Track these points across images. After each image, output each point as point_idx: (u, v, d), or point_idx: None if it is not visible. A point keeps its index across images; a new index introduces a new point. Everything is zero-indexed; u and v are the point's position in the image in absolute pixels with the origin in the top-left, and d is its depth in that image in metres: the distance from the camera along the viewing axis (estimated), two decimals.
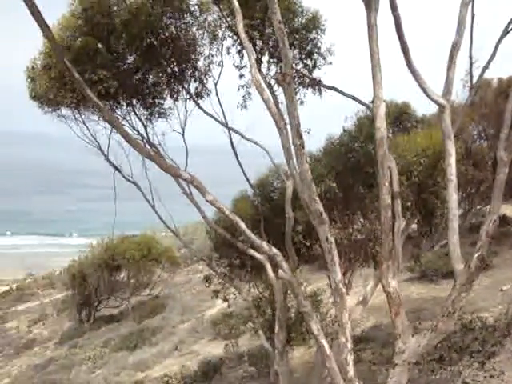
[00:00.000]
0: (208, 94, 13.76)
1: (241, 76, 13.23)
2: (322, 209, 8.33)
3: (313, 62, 13.26)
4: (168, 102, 13.81)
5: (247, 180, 14.55)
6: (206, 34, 13.13)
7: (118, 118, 12.49)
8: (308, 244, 14.24)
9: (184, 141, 14.25)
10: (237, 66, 13.19)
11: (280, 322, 13.87)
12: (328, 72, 13.38)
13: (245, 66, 13.04)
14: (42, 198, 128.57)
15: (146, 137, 13.89)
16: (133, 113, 13.71)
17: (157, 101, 13.65)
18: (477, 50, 8.92)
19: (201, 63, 13.50)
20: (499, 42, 8.81)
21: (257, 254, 12.79)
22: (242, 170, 14.10)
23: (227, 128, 13.73)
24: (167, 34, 12.47)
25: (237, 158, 13.99)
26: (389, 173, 8.44)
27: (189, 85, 13.62)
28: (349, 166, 13.43)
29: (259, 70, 11.92)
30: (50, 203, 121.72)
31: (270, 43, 12.79)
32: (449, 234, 8.18)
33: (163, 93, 13.58)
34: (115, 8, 12.05)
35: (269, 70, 13.28)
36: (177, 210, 14.28)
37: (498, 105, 26.53)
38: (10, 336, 37.59)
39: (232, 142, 13.88)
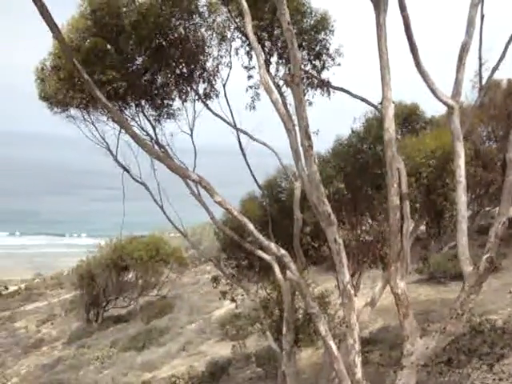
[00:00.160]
0: (216, 95, 13.79)
1: (249, 77, 13.26)
2: (330, 210, 8.32)
3: (321, 63, 13.26)
4: (177, 103, 13.85)
5: (255, 181, 14.56)
6: (214, 34, 13.14)
7: (126, 119, 12.51)
8: (316, 245, 14.22)
9: (192, 142, 14.27)
10: (245, 67, 13.23)
11: (288, 323, 13.86)
12: (336, 73, 13.39)
13: (253, 67, 13.08)
14: (50, 198, 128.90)
15: (154, 137, 13.92)
16: (141, 113, 13.75)
17: (165, 102, 13.67)
18: (486, 51, 8.87)
19: (209, 64, 13.53)
20: (509, 42, 8.75)
21: (265, 255, 12.79)
22: (251, 170, 14.11)
23: (235, 129, 13.74)
24: (176, 35, 12.50)
25: (245, 159, 14.00)
26: (397, 174, 8.41)
27: (197, 86, 13.65)
28: (357, 168, 13.41)
29: (268, 71, 11.92)
30: (59, 203, 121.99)
31: (279, 44, 12.80)
32: (457, 235, 8.15)
33: (172, 94, 13.60)
34: (124, 9, 12.08)
35: (277, 70, 13.29)
36: (185, 210, 14.30)
37: (508, 106, 26.47)
38: (18, 336, 37.65)
39: (240, 143, 13.90)
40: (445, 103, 8.34)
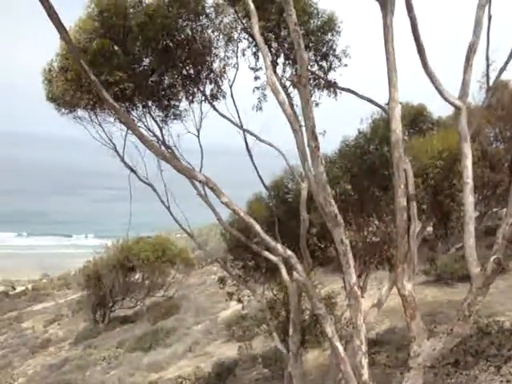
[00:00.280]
0: (223, 96, 13.79)
1: (256, 78, 13.26)
2: (336, 211, 8.31)
3: (328, 63, 13.24)
4: (183, 104, 13.87)
5: (262, 182, 14.55)
6: (221, 36, 13.15)
7: (133, 120, 12.54)
8: (323, 246, 14.21)
9: (199, 142, 14.28)
10: (252, 68, 13.22)
11: (294, 325, 13.85)
12: (343, 74, 13.38)
13: (260, 68, 13.07)
14: (58, 198, 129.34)
15: (161, 138, 13.94)
16: (148, 114, 13.76)
17: (172, 102, 13.69)
18: (494, 52, 8.84)
19: (216, 65, 13.54)
20: None
21: (271, 256, 12.79)
22: (257, 171, 14.11)
23: (242, 130, 13.75)
24: (183, 36, 12.52)
25: (251, 160, 14.01)
26: (404, 175, 8.39)
27: (204, 87, 13.66)
28: (364, 168, 13.39)
29: (274, 71, 11.93)
30: (66, 204, 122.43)
31: (286, 45, 12.80)
32: (465, 236, 8.12)
33: (179, 95, 13.62)
34: (131, 10, 12.11)
35: (284, 71, 13.29)
36: (191, 211, 14.31)
37: None
38: (25, 336, 37.81)
39: (247, 144, 13.90)
40: (452, 104, 8.32)
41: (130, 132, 11.92)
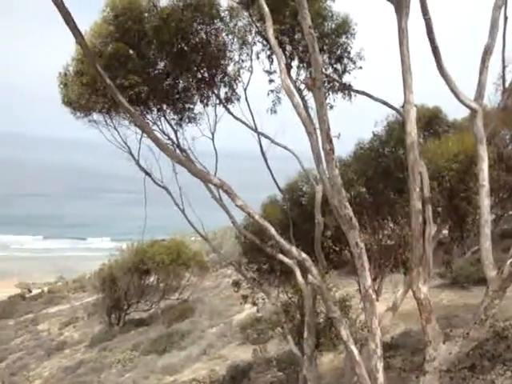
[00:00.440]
0: (238, 99, 13.83)
1: (270, 81, 13.25)
2: (351, 214, 8.28)
3: (342, 66, 13.22)
4: (198, 107, 13.94)
5: (276, 185, 14.55)
6: (235, 39, 13.19)
7: (148, 123, 12.60)
8: (337, 249, 14.18)
9: (214, 145, 14.32)
10: (266, 71, 13.23)
11: (309, 328, 13.82)
12: (358, 76, 13.35)
13: (274, 71, 13.08)
14: (73, 202, 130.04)
15: (176, 142, 13.99)
16: (163, 118, 13.83)
17: (187, 106, 13.75)
18: (510, 53, 8.79)
19: (230, 68, 13.59)
20: None
21: (286, 259, 12.78)
22: (272, 174, 14.11)
23: (257, 133, 13.76)
24: (197, 40, 12.58)
25: (266, 163, 14.01)
26: (419, 178, 8.35)
27: (219, 90, 13.70)
28: (379, 171, 13.35)
29: (289, 74, 11.91)
30: (82, 207, 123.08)
31: (300, 48, 12.79)
32: (481, 239, 8.06)
33: (193, 98, 13.68)
34: (146, 14, 12.19)
35: (298, 74, 13.29)
36: (205, 214, 14.35)
37: None
38: (41, 338, 38.06)
39: (261, 147, 13.91)
40: (468, 106, 8.26)
41: (144, 135, 11.98)
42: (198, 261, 40.25)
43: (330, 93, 13.46)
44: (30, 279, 61.64)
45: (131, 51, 12.25)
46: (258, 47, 13.18)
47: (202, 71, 13.26)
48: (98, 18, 12.30)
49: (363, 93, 13.14)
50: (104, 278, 38.23)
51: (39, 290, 55.58)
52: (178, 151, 13.46)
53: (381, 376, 8.28)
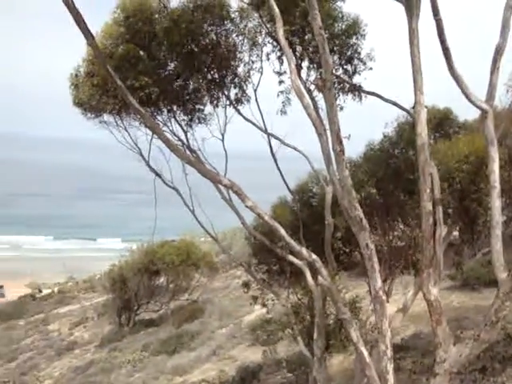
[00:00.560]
0: (248, 100, 13.84)
1: (280, 82, 13.25)
2: (362, 215, 8.26)
3: (353, 67, 13.20)
4: (208, 108, 13.96)
5: (286, 186, 14.55)
6: (246, 40, 13.20)
7: (158, 124, 12.62)
8: (347, 250, 14.17)
9: (224, 146, 14.33)
10: (276, 72, 13.22)
11: (319, 329, 13.80)
12: (368, 77, 13.32)
13: (284, 71, 13.07)
14: (84, 202, 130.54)
15: (186, 142, 14.01)
16: (173, 119, 13.86)
17: (197, 107, 13.78)
18: None
19: (241, 69, 13.60)
20: None
21: (296, 260, 12.75)
22: (282, 175, 14.10)
23: (267, 134, 13.76)
24: (208, 41, 12.61)
25: (276, 164, 14.01)
26: (430, 179, 8.32)
27: (229, 91, 13.72)
28: (389, 172, 13.33)
29: (299, 75, 11.90)
30: (92, 208, 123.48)
31: (310, 49, 12.77)
32: (492, 241, 8.02)
33: (203, 99, 13.70)
34: (157, 15, 12.22)
35: (308, 75, 13.27)
36: (215, 215, 14.36)
37: None
38: (51, 338, 38.20)
39: (271, 148, 13.91)
40: (478, 107, 8.23)
41: (155, 136, 12.02)
42: (207, 262, 40.25)
43: (340, 94, 13.44)
44: (41, 279, 61.88)
45: (142, 52, 12.29)
46: (268, 48, 13.20)
47: (212, 72, 13.28)
48: (108, 19, 12.37)
49: (373, 94, 13.10)
50: (114, 279, 38.33)
51: (49, 290, 55.76)
52: (188, 152, 13.47)
53: (391, 378, 8.26)
